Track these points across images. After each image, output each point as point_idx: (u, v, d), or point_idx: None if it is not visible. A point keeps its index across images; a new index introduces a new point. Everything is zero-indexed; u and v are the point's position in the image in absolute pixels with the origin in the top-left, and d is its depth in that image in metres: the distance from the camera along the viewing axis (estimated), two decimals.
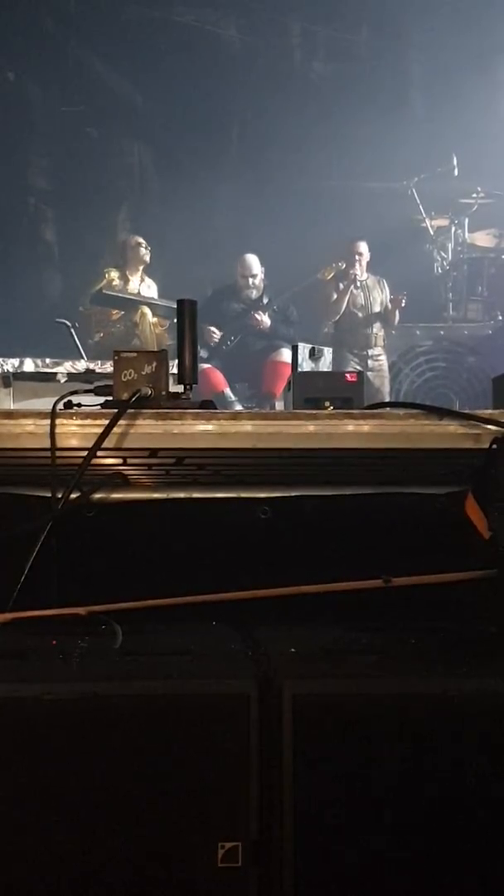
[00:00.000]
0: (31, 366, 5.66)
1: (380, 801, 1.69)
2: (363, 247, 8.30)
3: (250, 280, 8.16)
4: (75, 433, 2.14)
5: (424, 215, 9.32)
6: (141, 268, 8.38)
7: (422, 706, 1.72)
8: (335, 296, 8.30)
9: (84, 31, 9.70)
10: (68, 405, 2.25)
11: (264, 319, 8.06)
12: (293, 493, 2.27)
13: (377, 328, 8.27)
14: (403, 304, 8.20)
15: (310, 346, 2.90)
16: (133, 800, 1.67)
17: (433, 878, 1.69)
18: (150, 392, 2.24)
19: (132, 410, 2.16)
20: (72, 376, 5.17)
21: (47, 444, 2.12)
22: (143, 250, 8.36)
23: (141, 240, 8.44)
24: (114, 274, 8.40)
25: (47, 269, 9.87)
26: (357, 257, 8.25)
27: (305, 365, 2.85)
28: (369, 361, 8.16)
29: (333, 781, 1.69)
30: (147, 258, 8.39)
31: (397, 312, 8.23)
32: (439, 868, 1.69)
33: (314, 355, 2.87)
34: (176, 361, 2.41)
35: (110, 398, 2.29)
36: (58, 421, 2.14)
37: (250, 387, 8.01)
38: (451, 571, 2.19)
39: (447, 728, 1.70)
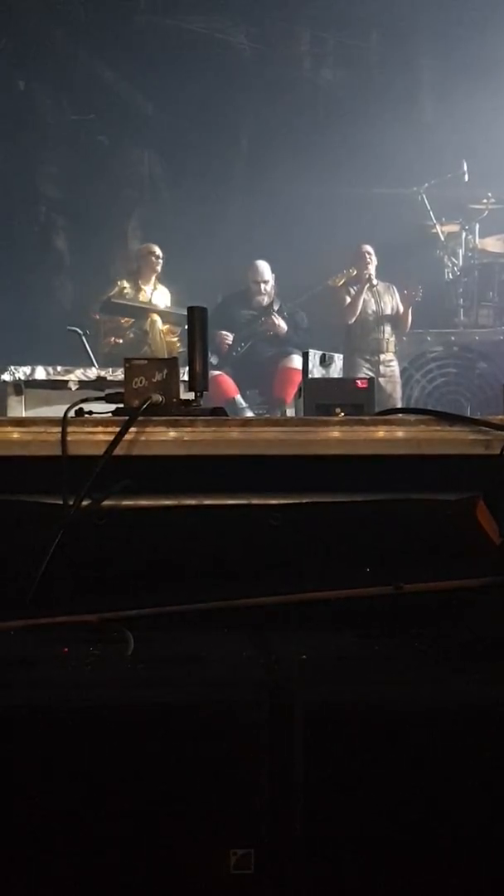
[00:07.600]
0: (42, 373, 5.68)
1: (393, 808, 1.68)
2: (369, 248, 8.31)
3: (262, 286, 8.14)
4: (86, 441, 2.15)
5: (435, 221, 9.29)
6: (153, 276, 8.37)
7: (434, 713, 1.71)
8: (349, 299, 8.30)
9: (94, 40, 9.71)
10: (79, 413, 2.26)
11: (280, 324, 8.04)
12: (304, 500, 2.27)
13: (388, 333, 8.26)
14: (419, 298, 8.17)
15: (320, 352, 2.90)
16: (145, 807, 1.67)
17: (445, 886, 1.68)
18: (160, 399, 2.25)
19: (143, 418, 2.17)
20: (83, 384, 5.20)
21: (58, 451, 2.13)
22: (153, 259, 8.35)
23: (155, 248, 8.41)
24: (125, 282, 8.40)
25: (58, 277, 9.88)
26: (367, 257, 8.25)
27: (316, 371, 2.85)
28: (381, 367, 8.14)
29: (346, 788, 1.68)
30: (158, 268, 8.37)
31: (409, 314, 8.22)
32: (451, 877, 1.68)
33: (325, 362, 2.88)
34: (187, 368, 2.41)
35: (121, 406, 2.29)
36: (69, 428, 2.14)
37: (261, 393, 8.00)
38: (462, 578, 2.18)
39: (461, 736, 1.70)
